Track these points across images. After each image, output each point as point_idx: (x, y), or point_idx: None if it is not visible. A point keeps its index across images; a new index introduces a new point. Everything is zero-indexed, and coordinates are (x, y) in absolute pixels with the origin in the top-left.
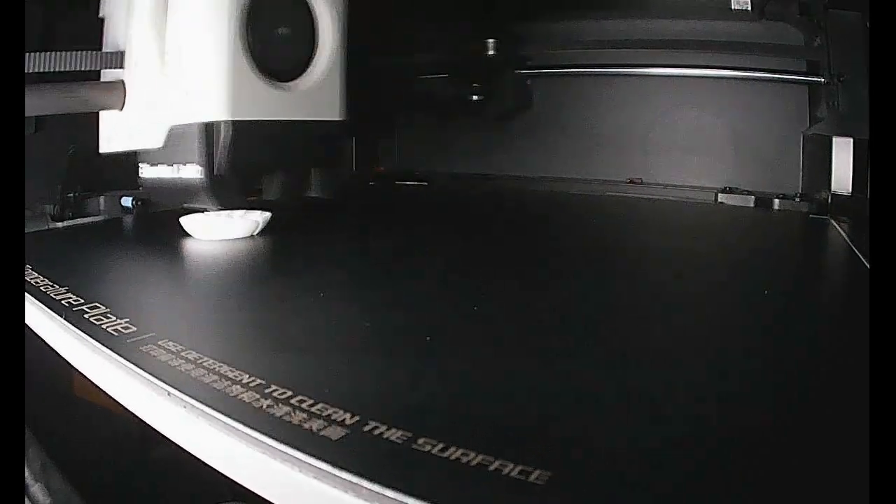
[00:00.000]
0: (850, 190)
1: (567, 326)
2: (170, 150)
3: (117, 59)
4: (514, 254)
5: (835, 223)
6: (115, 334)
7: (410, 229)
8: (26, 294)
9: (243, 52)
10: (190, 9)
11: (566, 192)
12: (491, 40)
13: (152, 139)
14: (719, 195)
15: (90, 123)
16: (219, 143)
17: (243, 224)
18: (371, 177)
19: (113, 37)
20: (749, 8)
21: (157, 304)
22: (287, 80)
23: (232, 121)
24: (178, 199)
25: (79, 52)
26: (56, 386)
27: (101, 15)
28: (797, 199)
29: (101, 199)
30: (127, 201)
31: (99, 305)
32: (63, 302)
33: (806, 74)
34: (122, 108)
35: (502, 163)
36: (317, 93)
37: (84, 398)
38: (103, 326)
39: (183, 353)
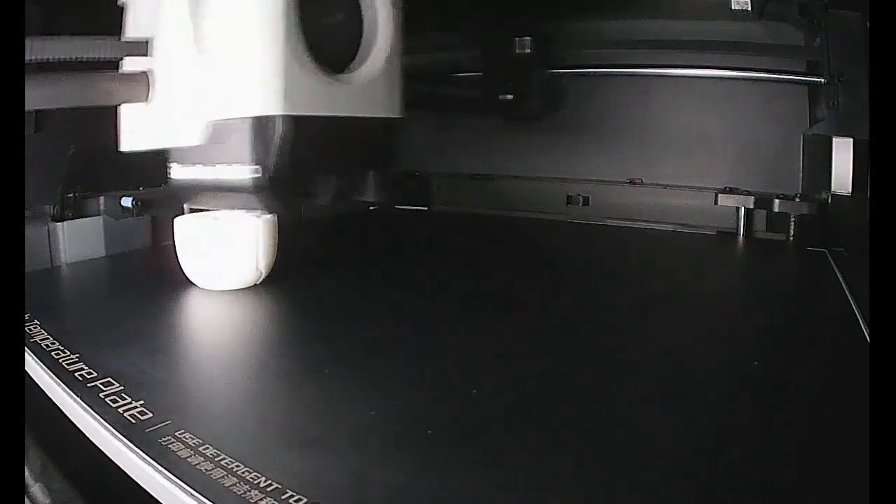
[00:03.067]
0: (850, 190)
1: (573, 429)
2: (210, 149)
3: (143, 47)
4: (520, 313)
5: (831, 259)
6: (133, 421)
7: (412, 273)
8: (40, 361)
9: (297, 39)
10: None
11: (564, 217)
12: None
13: (186, 136)
14: (719, 195)
15: (91, 122)
16: (272, 140)
17: (246, 272)
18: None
19: (135, 24)
20: (749, 8)
21: (168, 379)
22: (340, 73)
23: (286, 116)
24: (221, 204)
25: (99, 40)
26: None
27: (119, 2)
28: (797, 199)
29: (101, 199)
30: (127, 201)
31: (112, 381)
32: (77, 375)
33: (806, 74)
34: (147, 102)
35: (501, 163)
36: (374, 87)
37: None
38: (120, 409)
39: (201, 449)
